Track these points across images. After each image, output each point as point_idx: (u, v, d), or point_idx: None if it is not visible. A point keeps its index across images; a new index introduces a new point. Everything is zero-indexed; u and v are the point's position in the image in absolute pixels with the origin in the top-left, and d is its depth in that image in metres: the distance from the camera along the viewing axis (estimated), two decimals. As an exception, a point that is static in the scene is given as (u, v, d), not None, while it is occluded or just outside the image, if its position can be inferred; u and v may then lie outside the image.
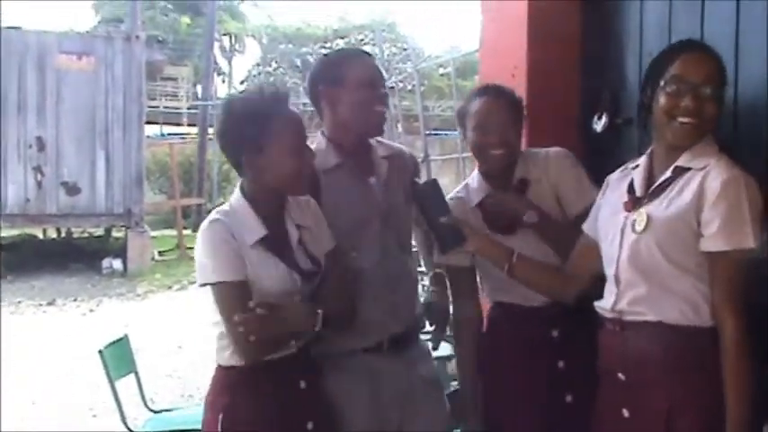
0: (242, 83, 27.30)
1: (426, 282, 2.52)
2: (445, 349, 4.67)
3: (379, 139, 2.33)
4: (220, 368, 1.96)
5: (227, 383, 1.93)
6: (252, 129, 1.87)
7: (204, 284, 1.89)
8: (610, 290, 1.89)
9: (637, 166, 1.91)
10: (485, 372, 2.31)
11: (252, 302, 1.78)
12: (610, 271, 1.88)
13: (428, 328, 2.41)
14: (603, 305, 1.90)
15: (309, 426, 1.97)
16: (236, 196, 1.96)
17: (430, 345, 2.42)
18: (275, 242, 1.93)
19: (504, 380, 2.23)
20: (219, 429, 1.88)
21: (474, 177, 2.28)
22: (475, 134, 2.17)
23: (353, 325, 2.04)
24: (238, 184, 1.99)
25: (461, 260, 2.23)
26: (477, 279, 2.37)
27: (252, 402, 1.90)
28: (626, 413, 1.83)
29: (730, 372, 1.66)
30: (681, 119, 1.75)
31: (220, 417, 1.89)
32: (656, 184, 1.81)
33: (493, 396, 2.27)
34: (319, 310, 1.88)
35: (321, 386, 2.03)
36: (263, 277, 1.89)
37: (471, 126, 2.18)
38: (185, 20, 27.23)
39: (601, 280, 1.93)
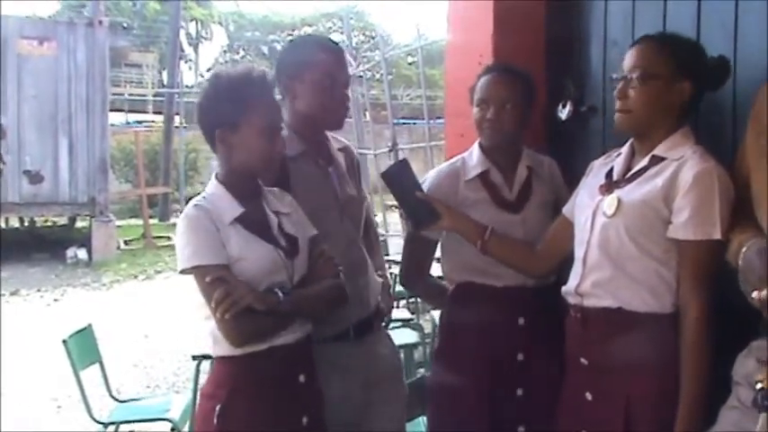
0: (208, 70, 27.02)
1: (395, 271, 2.54)
2: (411, 337, 4.76)
3: (327, 132, 2.32)
4: (219, 360, 1.92)
5: (226, 375, 1.89)
6: (230, 104, 1.88)
7: (183, 270, 1.85)
8: (576, 271, 1.92)
9: (620, 153, 1.94)
10: (441, 355, 2.34)
11: (208, 278, 1.77)
12: (579, 252, 1.91)
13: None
14: (568, 288, 1.93)
15: (304, 420, 1.94)
16: (211, 183, 1.97)
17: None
18: (254, 222, 1.92)
19: (458, 367, 2.24)
20: (215, 421, 1.83)
21: (473, 152, 2.28)
22: (475, 108, 2.22)
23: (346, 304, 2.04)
24: (213, 174, 2.00)
25: (434, 234, 2.26)
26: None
27: (250, 395, 1.86)
28: (589, 396, 1.87)
29: (688, 354, 1.69)
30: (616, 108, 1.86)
31: (217, 408, 1.84)
32: (633, 171, 1.85)
33: (444, 381, 2.28)
34: (276, 289, 1.85)
35: (317, 380, 2.01)
36: (247, 257, 1.86)
37: (475, 100, 2.23)
38: (154, 5, 26.81)
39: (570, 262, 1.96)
